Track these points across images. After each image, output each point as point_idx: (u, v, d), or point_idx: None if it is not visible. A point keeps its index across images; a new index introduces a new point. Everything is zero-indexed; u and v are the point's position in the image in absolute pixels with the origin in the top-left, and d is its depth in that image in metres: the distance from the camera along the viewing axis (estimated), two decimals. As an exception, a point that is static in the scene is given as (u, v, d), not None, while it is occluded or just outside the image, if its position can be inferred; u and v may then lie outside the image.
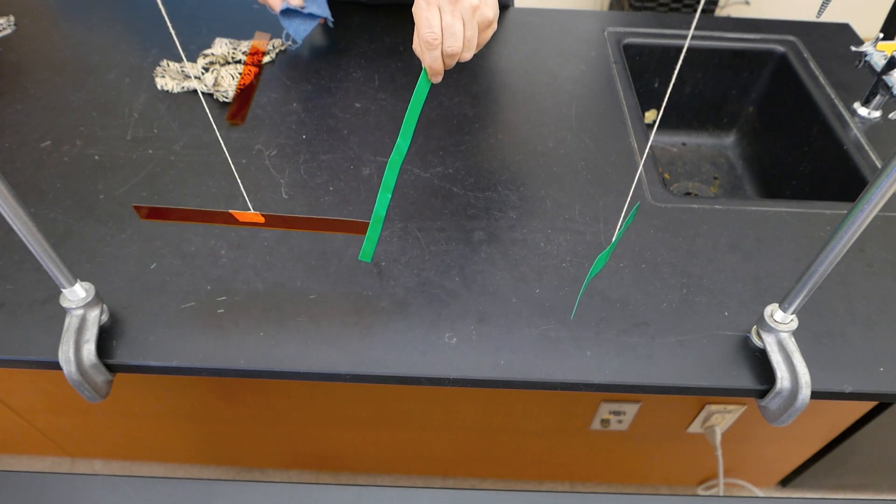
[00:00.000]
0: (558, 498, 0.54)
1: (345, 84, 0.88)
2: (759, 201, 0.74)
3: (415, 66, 0.92)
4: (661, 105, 1.07)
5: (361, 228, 0.56)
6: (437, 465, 1.13)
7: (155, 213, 0.54)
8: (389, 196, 0.57)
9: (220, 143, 0.79)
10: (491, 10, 0.57)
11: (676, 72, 0.30)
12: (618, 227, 0.55)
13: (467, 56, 0.57)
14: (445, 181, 0.75)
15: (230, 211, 0.53)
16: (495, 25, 0.59)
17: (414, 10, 0.56)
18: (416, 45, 0.56)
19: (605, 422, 0.88)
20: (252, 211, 0.53)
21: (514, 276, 0.65)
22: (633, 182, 0.76)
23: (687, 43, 0.27)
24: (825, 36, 1.02)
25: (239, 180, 0.51)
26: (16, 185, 0.72)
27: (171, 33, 0.96)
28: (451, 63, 0.57)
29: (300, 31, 0.89)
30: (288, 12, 0.87)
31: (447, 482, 1.21)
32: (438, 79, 0.57)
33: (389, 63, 0.92)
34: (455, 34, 0.55)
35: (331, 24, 0.93)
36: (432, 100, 0.86)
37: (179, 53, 0.92)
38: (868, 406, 0.83)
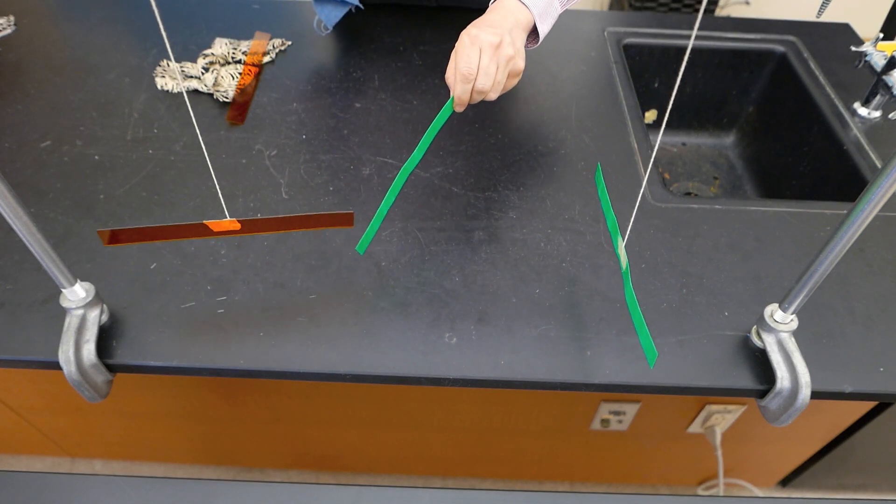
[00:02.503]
0: (558, 498, 0.54)
1: (345, 84, 0.88)
2: (759, 201, 0.74)
3: (414, 66, 0.92)
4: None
5: (343, 220, 0.56)
6: (437, 465, 1.13)
7: (119, 237, 0.50)
8: (394, 198, 0.61)
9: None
10: (523, 61, 0.64)
11: (681, 72, 0.30)
12: (620, 250, 0.55)
13: (493, 96, 0.63)
14: (445, 181, 0.75)
15: (204, 222, 0.51)
16: (521, 75, 0.66)
17: (457, 45, 0.61)
18: (450, 76, 0.62)
19: (605, 422, 0.88)
20: (228, 218, 0.51)
21: (514, 276, 0.65)
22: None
23: (691, 44, 0.27)
24: (825, 36, 1.02)
25: (216, 181, 0.51)
26: (16, 185, 0.72)
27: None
28: (478, 99, 0.62)
29: (332, 17, 0.89)
30: None
31: (447, 482, 1.21)
32: (462, 109, 0.63)
33: (389, 63, 0.92)
34: (489, 74, 0.60)
35: (361, 7, 0.92)
36: (433, 99, 0.86)
37: (185, 51, 0.92)
38: (868, 406, 0.83)
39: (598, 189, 0.60)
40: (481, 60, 0.60)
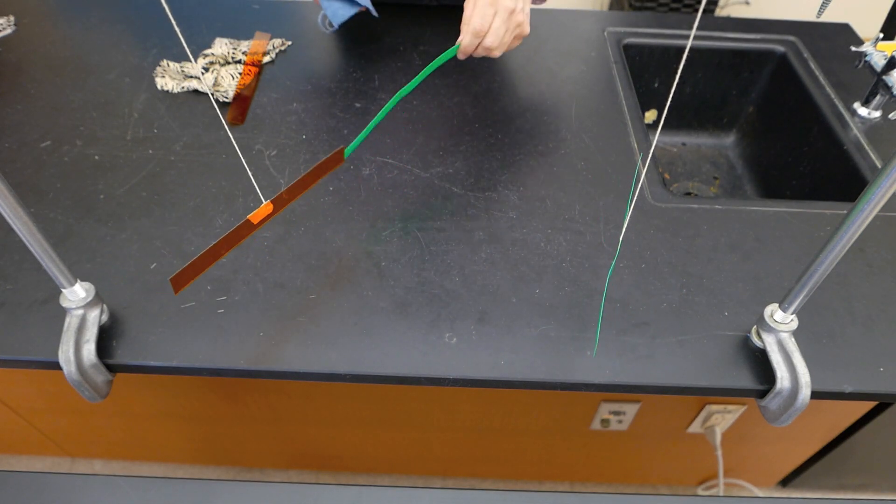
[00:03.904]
0: (558, 498, 0.54)
1: (345, 84, 0.88)
2: (759, 201, 0.74)
3: (415, 66, 0.92)
4: (661, 105, 1.08)
5: (336, 160, 0.58)
6: (437, 465, 1.13)
7: (182, 280, 0.49)
8: (382, 116, 0.62)
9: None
10: (528, 28, 0.71)
11: (679, 72, 0.30)
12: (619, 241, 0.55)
13: (497, 53, 0.69)
14: (445, 181, 0.75)
15: (247, 217, 0.51)
16: (521, 40, 0.73)
17: (473, 1, 0.66)
18: (463, 24, 0.67)
19: (605, 422, 0.88)
20: (263, 203, 0.51)
21: (514, 276, 0.65)
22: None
23: (689, 44, 0.27)
24: (825, 36, 1.02)
25: (249, 172, 0.51)
26: (16, 185, 0.72)
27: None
28: (482, 53, 0.69)
29: (339, 15, 0.85)
30: None
31: (447, 482, 1.21)
32: (464, 57, 0.70)
33: (389, 63, 0.92)
34: (498, 34, 0.67)
35: (375, 15, 0.88)
36: (433, 99, 0.86)
37: (185, 50, 0.92)
38: (868, 406, 0.83)
39: (634, 181, 0.64)
40: (494, 21, 0.65)
